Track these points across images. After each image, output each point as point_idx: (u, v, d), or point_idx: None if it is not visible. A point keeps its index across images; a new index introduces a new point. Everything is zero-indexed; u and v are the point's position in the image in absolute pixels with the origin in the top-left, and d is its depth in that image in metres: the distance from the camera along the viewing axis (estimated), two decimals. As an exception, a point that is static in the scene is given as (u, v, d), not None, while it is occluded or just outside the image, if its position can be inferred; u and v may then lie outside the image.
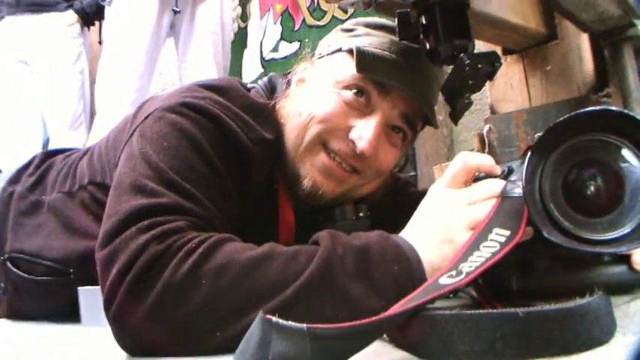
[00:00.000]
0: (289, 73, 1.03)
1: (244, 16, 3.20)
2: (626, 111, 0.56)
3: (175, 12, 2.37)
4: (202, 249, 0.65)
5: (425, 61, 0.90)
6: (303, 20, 2.80)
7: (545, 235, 0.56)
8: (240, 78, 3.09)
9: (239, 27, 3.16)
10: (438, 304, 0.62)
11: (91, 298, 0.92)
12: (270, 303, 0.61)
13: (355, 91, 0.88)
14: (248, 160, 0.85)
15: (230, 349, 0.54)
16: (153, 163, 0.75)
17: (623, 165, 0.58)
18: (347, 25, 0.99)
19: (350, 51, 0.90)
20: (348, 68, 0.89)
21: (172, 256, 0.64)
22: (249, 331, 0.52)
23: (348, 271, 0.64)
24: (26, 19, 2.93)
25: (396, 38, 0.90)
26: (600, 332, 0.54)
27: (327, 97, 0.90)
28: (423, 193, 0.77)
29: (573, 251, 0.57)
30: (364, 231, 0.73)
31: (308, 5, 2.77)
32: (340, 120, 0.88)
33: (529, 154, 0.58)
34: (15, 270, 1.02)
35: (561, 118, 0.57)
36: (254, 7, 3.15)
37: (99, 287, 0.67)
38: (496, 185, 0.67)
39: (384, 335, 0.59)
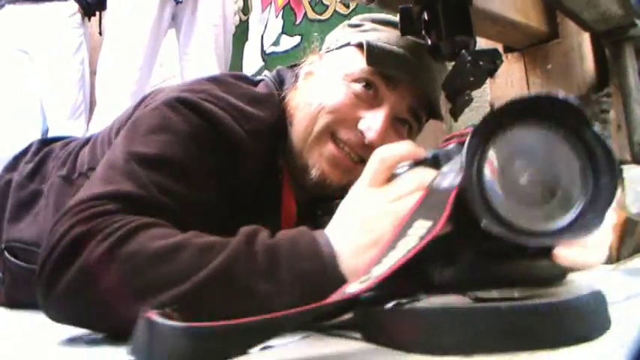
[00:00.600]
0: (296, 65, 1.05)
1: (246, 9, 3.19)
2: (567, 97, 0.53)
3: (177, 2, 2.37)
4: (120, 232, 0.66)
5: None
6: (305, 14, 2.80)
7: (484, 225, 0.53)
8: (241, 71, 3.09)
9: (240, 20, 3.15)
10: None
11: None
12: (168, 294, 0.61)
13: (364, 83, 0.91)
14: (241, 151, 0.86)
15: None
16: (128, 152, 0.78)
17: (560, 154, 0.55)
18: (354, 20, 1.01)
19: (359, 45, 0.93)
20: (356, 61, 0.92)
21: (93, 237, 0.66)
22: (137, 326, 0.51)
23: (256, 268, 0.64)
24: (27, 8, 2.92)
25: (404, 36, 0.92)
26: (588, 328, 0.54)
27: (336, 89, 0.92)
28: None
29: (509, 243, 0.53)
30: None
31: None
32: (349, 111, 0.90)
33: (468, 138, 0.55)
34: (13, 259, 1.02)
35: (500, 104, 0.55)
36: (255, 1, 3.15)
37: None
38: (420, 175, 0.64)
39: (360, 335, 0.59)
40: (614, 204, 0.85)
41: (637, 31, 1.18)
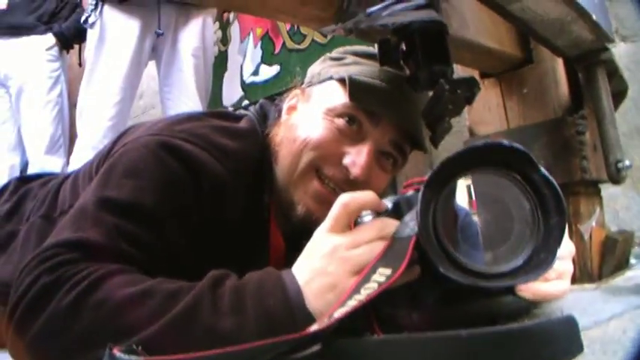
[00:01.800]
0: (279, 97, 1.06)
1: (225, 40, 3.22)
2: (513, 144, 0.56)
3: (158, 35, 2.38)
4: (87, 281, 0.66)
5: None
6: (283, 44, 2.82)
7: (442, 271, 0.55)
8: (221, 101, 3.11)
9: (219, 50, 3.17)
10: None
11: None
12: (136, 338, 0.62)
13: (347, 119, 0.91)
14: (224, 191, 0.86)
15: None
16: (100, 197, 0.78)
17: (511, 197, 0.59)
18: (335, 53, 1.02)
19: (341, 80, 0.93)
20: (339, 96, 0.93)
21: (60, 286, 0.66)
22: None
23: (221, 308, 0.64)
24: (5, 41, 2.92)
25: (384, 67, 0.92)
26: (552, 353, 0.55)
27: (319, 124, 0.92)
28: None
29: (467, 286, 0.56)
30: None
31: (288, 29, 2.79)
32: (333, 147, 0.91)
33: (422, 189, 0.58)
34: None
35: (452, 153, 0.58)
36: (234, 31, 3.17)
37: None
38: (381, 225, 0.66)
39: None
40: (591, 224, 0.91)
41: (608, 54, 1.21)
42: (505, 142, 0.57)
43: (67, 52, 3.11)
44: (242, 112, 1.05)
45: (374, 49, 0.98)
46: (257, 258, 0.91)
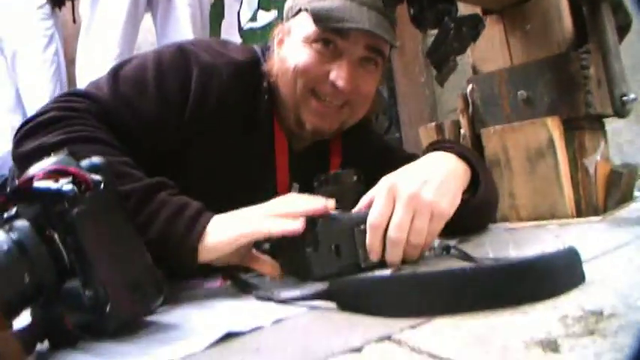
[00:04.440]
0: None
1: (221, -13, 3.16)
2: None
3: None
4: (75, 134, 0.88)
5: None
6: (280, -12, 2.77)
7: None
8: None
9: (215, -1, 3.12)
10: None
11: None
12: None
13: (322, 42, 1.04)
14: (210, 78, 1.03)
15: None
16: (114, 73, 1.03)
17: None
18: None
19: (307, 10, 1.04)
20: (311, 25, 1.04)
21: (59, 125, 0.89)
22: None
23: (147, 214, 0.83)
24: (-3, 1, 2.87)
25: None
26: (554, 285, 0.60)
27: (302, 52, 1.05)
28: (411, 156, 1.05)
29: None
30: (357, 195, 0.89)
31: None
32: (318, 68, 1.04)
33: None
34: None
35: None
36: (230, -22, 3.11)
37: None
38: (302, 202, 0.85)
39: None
40: (596, 158, 0.94)
41: (612, -14, 1.20)
42: None
43: (60, 10, 3.05)
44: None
45: None
46: (264, 167, 1.12)
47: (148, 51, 1.10)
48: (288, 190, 1.13)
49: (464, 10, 1.21)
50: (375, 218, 0.83)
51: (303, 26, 1.06)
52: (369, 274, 0.81)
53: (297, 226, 0.80)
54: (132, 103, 0.98)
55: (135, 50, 2.66)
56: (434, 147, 1.03)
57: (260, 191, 0.93)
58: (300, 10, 1.08)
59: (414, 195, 0.84)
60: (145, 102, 0.99)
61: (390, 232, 0.83)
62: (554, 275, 0.61)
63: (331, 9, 1.01)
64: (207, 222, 0.83)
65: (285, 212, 0.83)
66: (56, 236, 0.65)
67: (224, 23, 3.11)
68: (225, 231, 0.82)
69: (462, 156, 0.96)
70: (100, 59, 2.34)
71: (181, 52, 1.04)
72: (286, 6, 1.15)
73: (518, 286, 0.58)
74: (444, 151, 0.97)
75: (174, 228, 0.82)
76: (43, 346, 0.64)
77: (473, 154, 1.04)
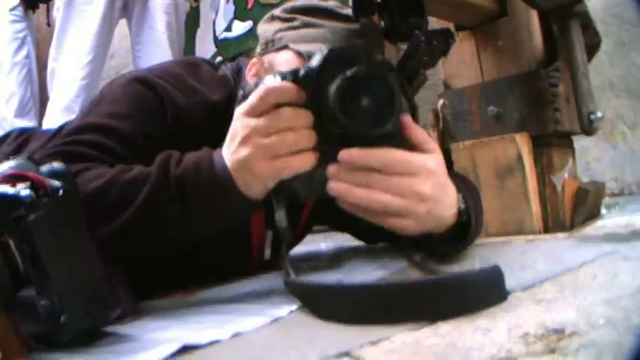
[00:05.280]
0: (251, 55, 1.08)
1: (196, -4, 3.16)
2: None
3: None
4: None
5: (366, 35, 0.95)
6: (256, -1, 2.78)
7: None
8: (194, 59, 3.05)
9: (191, 7, 3.10)
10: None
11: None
12: (105, 230, 0.77)
13: None
14: (188, 121, 0.97)
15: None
16: (79, 124, 0.97)
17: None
18: (282, 12, 1.01)
19: (297, 52, 0.95)
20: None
21: None
22: None
23: (169, 200, 0.79)
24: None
25: (335, 24, 0.95)
26: (468, 302, 0.61)
27: None
28: None
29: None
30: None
31: (261, -16, 2.74)
32: None
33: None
34: None
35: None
36: (206, -13, 3.10)
37: None
38: (292, 115, 0.75)
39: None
40: (564, 175, 0.95)
41: (582, 7, 1.21)
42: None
43: (33, 12, 3.01)
44: (220, 64, 1.13)
45: (319, 1, 1.01)
46: None
47: (112, 85, 1.04)
48: (262, 237, 1.09)
49: (437, 25, 1.22)
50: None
51: (288, 67, 0.92)
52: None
53: (313, 160, 0.75)
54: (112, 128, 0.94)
55: (109, 57, 2.63)
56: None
57: (234, 234, 0.92)
58: (285, 47, 0.98)
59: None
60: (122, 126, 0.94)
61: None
62: (471, 293, 0.63)
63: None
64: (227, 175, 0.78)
65: (286, 150, 0.75)
66: (11, 243, 0.63)
67: (199, 32, 3.10)
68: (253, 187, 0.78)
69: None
70: (72, 64, 2.31)
71: (152, 90, 0.97)
72: (263, 32, 1.05)
73: (433, 301, 0.61)
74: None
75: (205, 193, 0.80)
76: (-7, 356, 0.62)
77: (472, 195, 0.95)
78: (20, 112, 2.83)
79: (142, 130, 0.94)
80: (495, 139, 1.20)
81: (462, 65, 1.30)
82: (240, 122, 0.78)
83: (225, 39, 2.95)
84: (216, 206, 0.80)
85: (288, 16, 1.00)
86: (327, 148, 0.75)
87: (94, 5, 2.32)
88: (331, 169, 0.75)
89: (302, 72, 0.76)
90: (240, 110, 0.78)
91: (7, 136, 1.35)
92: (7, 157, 1.13)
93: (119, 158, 0.89)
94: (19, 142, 1.26)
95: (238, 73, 1.07)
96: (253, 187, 0.79)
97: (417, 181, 0.74)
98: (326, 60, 0.75)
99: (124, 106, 0.96)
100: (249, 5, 2.81)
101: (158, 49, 2.44)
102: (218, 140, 0.86)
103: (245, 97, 0.80)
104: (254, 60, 1.03)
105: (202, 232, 0.84)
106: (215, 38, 3.02)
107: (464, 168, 1.22)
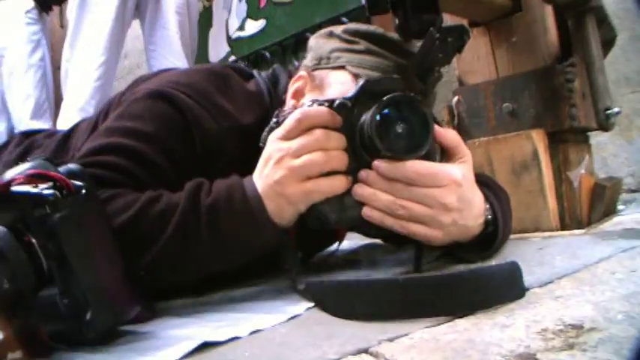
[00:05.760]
0: (290, 66, 1.08)
1: (209, -4, 3.16)
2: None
3: None
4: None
5: (435, 85, 0.93)
6: (269, -2, 2.78)
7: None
8: (207, 58, 3.07)
9: (204, 6, 3.11)
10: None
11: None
12: (142, 259, 0.78)
13: None
14: (217, 146, 0.92)
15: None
16: (103, 143, 0.90)
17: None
18: (345, 33, 0.96)
19: (355, 74, 0.91)
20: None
21: None
22: None
23: (201, 230, 0.78)
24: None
25: (399, 59, 0.91)
26: (486, 298, 0.62)
27: None
28: None
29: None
30: None
31: (273, -17, 2.74)
32: None
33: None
34: None
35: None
36: (218, -14, 3.11)
37: None
38: (323, 137, 0.76)
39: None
40: (581, 171, 0.95)
41: (597, 1, 1.20)
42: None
43: (47, 14, 3.04)
44: (254, 73, 1.07)
45: (384, 32, 0.95)
46: None
47: (136, 96, 0.97)
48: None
49: (450, 21, 1.22)
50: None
51: (342, 88, 0.89)
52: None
53: (344, 183, 0.78)
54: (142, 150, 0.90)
55: (122, 57, 2.65)
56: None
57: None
58: (342, 68, 0.93)
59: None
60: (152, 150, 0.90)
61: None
62: (489, 289, 0.63)
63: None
64: (259, 202, 0.79)
65: (316, 170, 0.77)
66: (35, 242, 0.64)
67: (212, 32, 3.11)
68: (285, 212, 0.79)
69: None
70: (85, 65, 2.32)
71: (179, 112, 0.91)
72: (317, 47, 0.99)
73: (451, 296, 0.62)
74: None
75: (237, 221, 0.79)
76: (14, 355, 0.63)
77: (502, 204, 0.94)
78: (36, 114, 2.86)
79: (166, 153, 0.90)
80: (511, 136, 1.19)
81: (476, 61, 1.29)
82: (273, 146, 0.79)
83: (239, 38, 2.96)
84: (247, 237, 0.80)
85: (351, 38, 0.95)
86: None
87: (106, 6, 2.33)
88: (362, 173, 0.78)
89: (338, 101, 0.79)
90: (274, 135, 0.80)
91: (7, 142, 1.30)
92: (10, 165, 1.13)
93: (143, 182, 0.87)
94: (21, 149, 1.22)
95: (275, 84, 1.03)
96: (285, 212, 0.79)
97: (442, 192, 0.77)
98: (362, 89, 0.79)
99: (150, 125, 0.91)
100: (262, 4, 2.82)
101: (171, 50, 2.46)
102: (246, 164, 0.85)
103: (278, 124, 0.80)
104: (302, 73, 0.97)
105: (233, 261, 0.84)
106: (228, 38, 3.03)
107: (480, 165, 1.22)
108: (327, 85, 0.94)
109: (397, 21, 0.89)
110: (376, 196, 0.77)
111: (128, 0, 2.38)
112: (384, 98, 0.75)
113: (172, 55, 2.44)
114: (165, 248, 0.78)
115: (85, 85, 2.32)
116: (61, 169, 0.69)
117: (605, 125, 1.20)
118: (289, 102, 0.96)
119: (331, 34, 0.98)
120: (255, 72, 1.07)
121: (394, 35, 0.93)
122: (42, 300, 0.65)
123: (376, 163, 0.77)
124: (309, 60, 0.98)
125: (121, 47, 2.46)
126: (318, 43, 0.99)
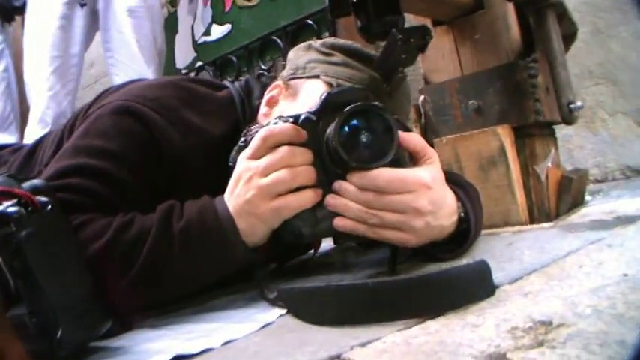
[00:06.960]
0: (264, 76, 1.07)
1: (174, 1, 3.14)
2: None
3: (82, 5, 2.30)
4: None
5: (400, 86, 0.96)
6: (233, 1, 2.77)
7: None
8: (174, 63, 3.04)
9: (169, 12, 3.09)
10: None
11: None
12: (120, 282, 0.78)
13: None
14: (184, 164, 0.92)
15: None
16: (70, 164, 0.89)
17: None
18: (322, 46, 0.99)
19: (329, 83, 0.93)
20: None
21: None
22: None
23: (174, 253, 0.79)
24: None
25: (375, 74, 0.92)
26: (454, 298, 0.62)
27: None
28: None
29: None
30: None
31: (237, -14, 2.73)
32: None
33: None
34: None
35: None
36: (182, -9, 3.09)
37: None
38: (289, 154, 0.77)
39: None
40: (547, 165, 0.95)
41: (557, -3, 1.22)
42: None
43: (10, 24, 2.98)
44: (226, 83, 1.08)
45: (361, 47, 0.97)
46: None
47: (103, 111, 0.95)
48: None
49: (413, 20, 1.22)
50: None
51: (315, 97, 0.87)
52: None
53: (313, 198, 0.78)
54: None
55: (88, 65, 2.60)
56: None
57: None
58: (317, 77, 0.95)
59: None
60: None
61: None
62: (457, 289, 0.64)
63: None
64: (230, 221, 0.80)
65: (284, 187, 0.78)
66: (0, 261, 0.62)
67: (178, 37, 3.09)
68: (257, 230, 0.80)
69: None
70: (35, 75, 2.29)
71: (147, 128, 0.91)
72: (294, 58, 1.01)
73: (419, 298, 0.62)
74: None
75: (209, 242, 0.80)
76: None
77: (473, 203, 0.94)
78: (1, 126, 2.80)
79: (133, 171, 0.90)
80: (477, 133, 1.20)
81: (441, 60, 1.30)
82: (242, 165, 0.80)
83: (205, 43, 2.94)
84: (220, 258, 0.81)
85: (328, 50, 0.98)
86: (330, 187, 0.78)
87: (49, 15, 2.29)
88: (335, 185, 0.78)
89: (302, 116, 0.79)
90: (243, 155, 0.80)
91: None
92: None
93: (111, 203, 0.87)
94: None
95: (248, 94, 1.04)
96: (257, 230, 0.80)
97: (413, 197, 0.77)
98: (325, 101, 0.80)
99: (116, 142, 0.90)
100: (227, 9, 2.80)
101: (129, 55, 2.39)
102: (216, 177, 0.86)
103: (247, 143, 0.81)
104: (277, 82, 1.00)
105: (207, 281, 0.86)
106: (194, 43, 3.01)
107: (448, 162, 1.23)
108: (300, 94, 0.96)
109: (359, 23, 0.89)
110: (348, 206, 0.77)
111: (74, 12, 2.34)
112: (345, 110, 0.75)
113: (131, 60, 2.38)
114: (139, 273, 0.78)
115: (38, 95, 2.29)
116: (26, 185, 0.68)
117: (568, 119, 1.22)
118: (263, 109, 0.99)
119: (309, 47, 1.01)
120: (227, 82, 1.09)
121: (371, 51, 0.96)
122: (11, 320, 0.63)
123: (348, 175, 0.77)
124: (285, 70, 1.01)
125: (73, 56, 2.39)
126: (296, 55, 1.02)
